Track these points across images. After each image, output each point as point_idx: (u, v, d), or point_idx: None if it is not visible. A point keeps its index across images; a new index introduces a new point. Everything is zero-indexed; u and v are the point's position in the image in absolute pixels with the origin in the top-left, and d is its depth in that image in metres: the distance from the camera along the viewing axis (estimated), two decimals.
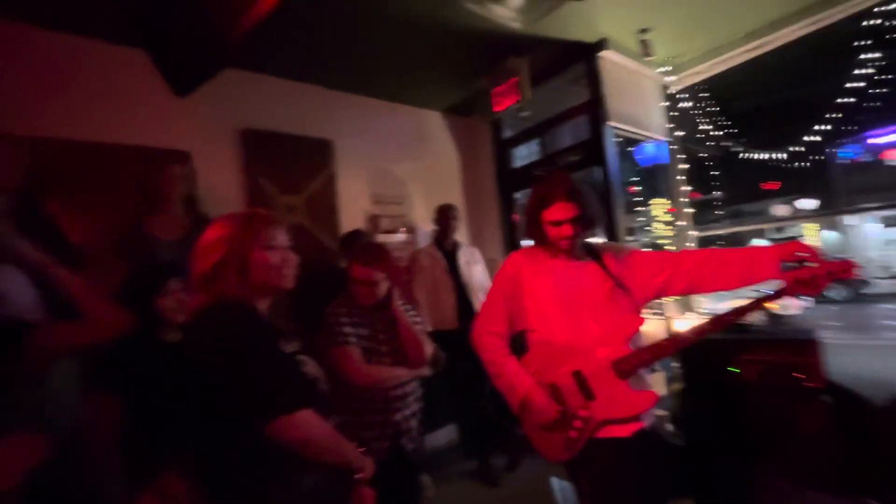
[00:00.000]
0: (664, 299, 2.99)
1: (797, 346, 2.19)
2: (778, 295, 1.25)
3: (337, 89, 3.25)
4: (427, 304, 2.98)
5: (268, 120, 2.90)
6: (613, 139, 3.08)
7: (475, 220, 4.02)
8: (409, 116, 3.74)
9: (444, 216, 3.11)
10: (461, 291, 2.98)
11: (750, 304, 1.29)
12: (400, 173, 3.61)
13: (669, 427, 3.12)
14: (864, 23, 2.69)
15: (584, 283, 1.42)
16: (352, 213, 3.22)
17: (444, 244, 3.10)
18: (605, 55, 3.01)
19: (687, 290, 1.44)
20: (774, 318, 2.61)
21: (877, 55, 2.75)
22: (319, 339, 1.70)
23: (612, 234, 3.00)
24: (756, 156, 3.44)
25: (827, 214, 14.35)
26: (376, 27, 2.52)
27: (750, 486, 1.90)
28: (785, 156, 3.28)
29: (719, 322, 1.30)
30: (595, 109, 3.03)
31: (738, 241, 15.37)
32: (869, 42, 2.72)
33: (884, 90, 2.91)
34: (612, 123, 3.04)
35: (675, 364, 2.81)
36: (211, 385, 0.95)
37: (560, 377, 1.37)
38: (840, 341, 7.57)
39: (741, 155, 3.52)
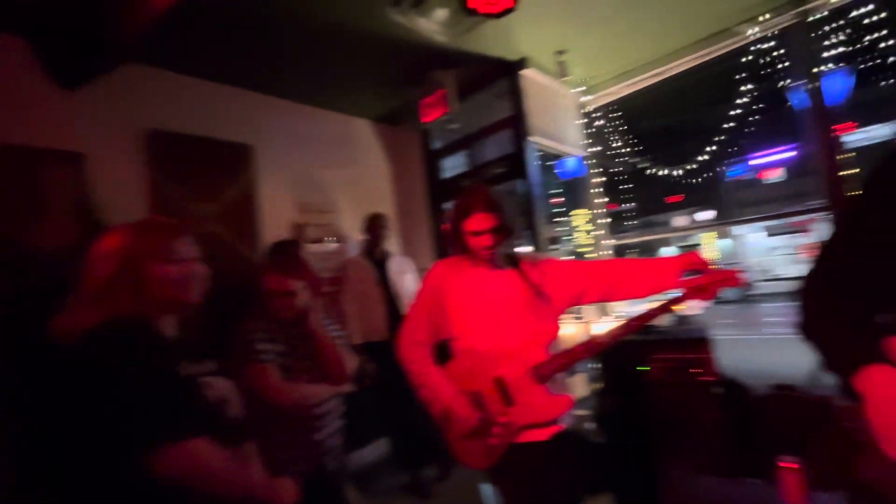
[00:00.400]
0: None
1: (693, 344, 2.43)
2: (679, 300, 1.38)
3: (259, 92, 3.10)
4: (357, 316, 2.91)
5: (178, 121, 2.68)
6: (535, 153, 3.24)
7: (406, 229, 4.02)
8: (338, 123, 3.66)
9: (374, 225, 3.07)
10: (392, 302, 2.95)
11: (657, 309, 1.41)
12: (328, 181, 3.51)
13: (590, 426, 3.32)
14: (742, 59, 3.06)
15: (505, 292, 1.47)
16: (275, 222, 3.07)
17: (374, 254, 3.05)
18: (527, 73, 3.18)
19: (601, 298, 1.55)
20: (681, 318, 2.88)
21: (752, 87, 3.15)
22: (234, 357, 1.59)
23: (534, 244, 3.14)
24: (660, 172, 3.80)
25: (719, 225, 16.26)
26: (300, 30, 2.45)
27: (659, 478, 2.06)
28: (682, 172, 3.68)
29: (630, 326, 1.40)
30: (517, 124, 3.17)
31: (649, 248, 16.88)
32: (745, 75, 3.12)
33: (759, 118, 3.37)
34: (534, 138, 3.20)
35: (594, 366, 3.00)
36: (95, 411, 0.85)
37: (483, 384, 1.40)
38: (732, 337, 8.57)
39: (648, 171, 3.87)
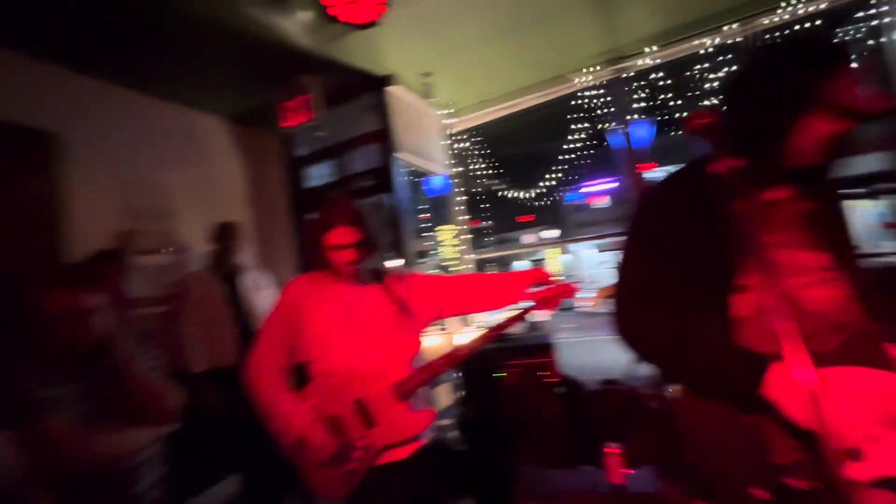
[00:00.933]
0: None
1: (540, 349, 2.70)
2: (528, 311, 1.51)
3: (73, 70, 2.54)
4: (200, 338, 2.54)
5: None
6: (403, 169, 3.29)
7: (264, 240, 3.69)
8: (180, 117, 3.20)
9: (224, 235, 2.73)
10: (245, 321, 2.65)
11: (510, 319, 1.52)
12: (166, 182, 3.03)
13: (454, 434, 3.44)
14: (574, 102, 3.59)
15: (368, 309, 1.43)
16: (88, 227, 2.51)
17: (223, 267, 2.71)
18: (394, 90, 3.23)
19: (461, 312, 1.62)
20: (533, 325, 3.18)
21: (582, 126, 3.72)
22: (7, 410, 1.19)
23: (402, 258, 3.17)
24: (513, 194, 4.22)
25: (561, 242, 18.71)
26: (140, 6, 2.09)
27: (512, 476, 2.22)
28: (531, 195, 4.15)
29: (487, 336, 1.47)
30: (384, 139, 3.19)
31: (505, 262, 18.56)
32: (577, 116, 3.68)
33: (588, 153, 4.01)
34: (401, 154, 3.25)
35: (456, 375, 3.12)
36: None
37: (342, 408, 1.33)
38: (575, 340, 9.87)
39: (503, 192, 4.26)
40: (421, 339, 1.46)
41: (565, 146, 3.90)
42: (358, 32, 2.35)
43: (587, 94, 3.58)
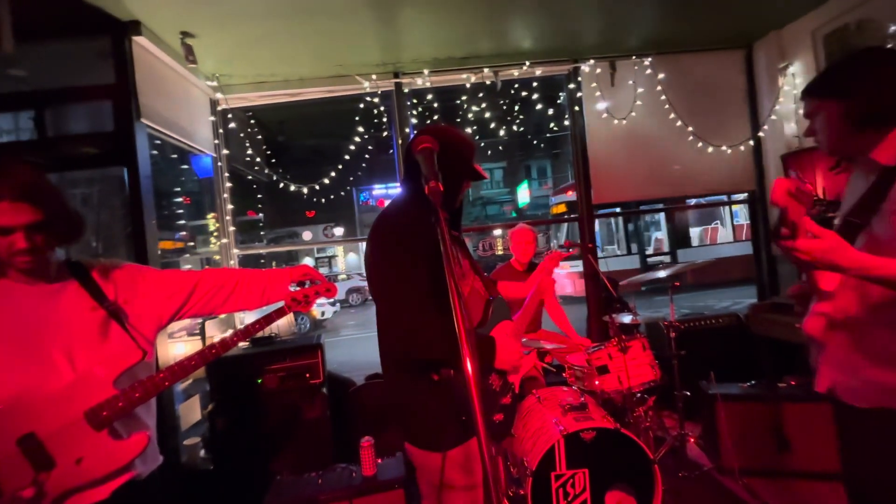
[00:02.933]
0: (192, 320, 2.86)
1: (307, 351, 2.63)
2: (281, 312, 1.41)
3: None
4: None
5: None
6: (154, 141, 2.70)
7: None
8: None
9: None
10: None
11: (260, 321, 1.36)
12: None
13: (201, 453, 3.00)
14: (360, 105, 3.66)
15: (58, 314, 1.11)
16: None
17: None
18: (141, 42, 2.63)
19: (208, 311, 1.40)
20: (315, 322, 3.05)
21: (363, 129, 3.82)
22: None
23: (141, 248, 2.59)
24: (293, 187, 3.98)
25: (345, 241, 18.80)
26: None
27: (264, 489, 2.07)
28: (316, 188, 3.98)
29: (226, 343, 1.28)
30: (123, 99, 2.55)
31: (286, 259, 17.48)
32: (358, 118, 3.75)
33: (369, 156, 4.15)
34: (148, 122, 2.67)
35: (207, 386, 2.73)
36: None
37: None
38: (354, 336, 10.06)
39: (282, 184, 3.97)
40: (138, 349, 1.17)
41: (352, 147, 3.90)
42: None
43: (373, 99, 3.68)
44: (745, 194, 4.03)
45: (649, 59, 3.70)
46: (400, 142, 3.67)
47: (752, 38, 3.77)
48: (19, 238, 1.02)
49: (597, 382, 2.35)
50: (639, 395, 2.53)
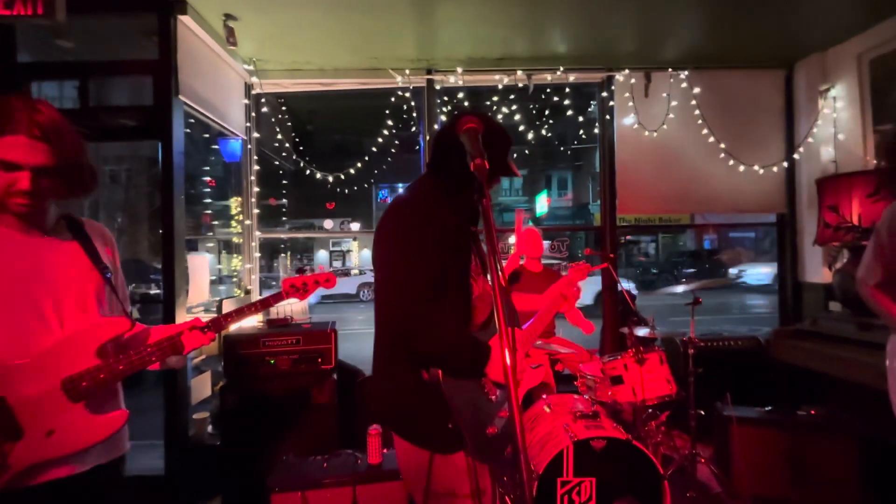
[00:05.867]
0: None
1: (321, 336, 2.64)
2: (278, 297, 1.34)
3: None
4: None
5: None
6: (186, 119, 2.76)
7: None
8: None
9: None
10: None
11: (265, 299, 1.32)
12: None
13: (209, 428, 3.04)
14: (391, 99, 3.68)
15: (52, 268, 1.03)
16: None
17: None
18: (185, 21, 2.69)
19: None
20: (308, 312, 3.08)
21: (399, 126, 3.84)
22: None
23: (168, 223, 2.65)
24: (318, 175, 4.02)
25: (361, 233, 18.91)
26: None
27: (270, 468, 2.08)
28: (341, 178, 4.00)
29: (226, 319, 1.21)
30: (164, 75, 2.61)
31: (303, 246, 17.67)
32: (394, 113, 3.78)
33: (395, 152, 4.15)
34: (185, 99, 2.73)
35: (220, 363, 2.77)
36: None
37: None
38: (363, 331, 10.09)
39: (307, 172, 4.02)
40: (127, 319, 1.09)
41: (379, 139, 3.93)
42: None
43: (404, 94, 3.70)
44: (774, 216, 3.93)
45: (686, 72, 3.65)
46: (427, 138, 3.68)
47: (793, 59, 3.69)
48: (24, 177, 0.94)
49: (609, 393, 2.31)
50: (650, 409, 2.48)
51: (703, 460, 2.56)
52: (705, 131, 3.68)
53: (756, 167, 3.71)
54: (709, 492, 2.52)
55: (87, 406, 1.00)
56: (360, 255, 21.79)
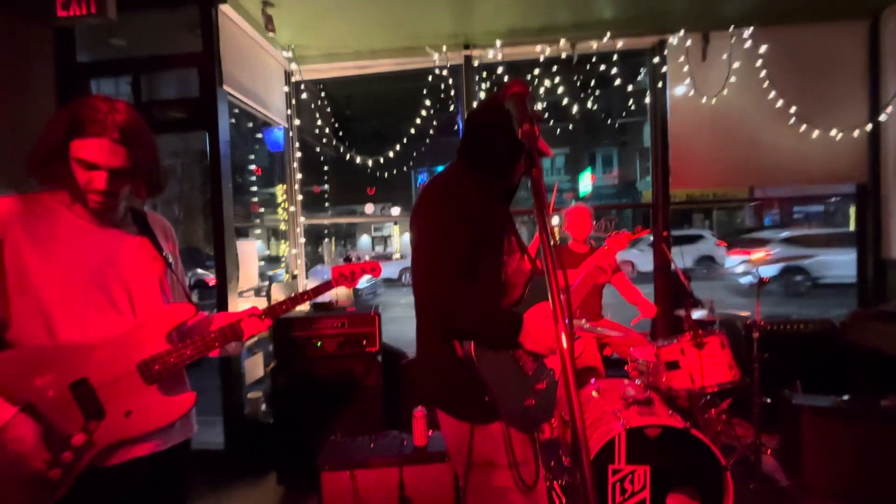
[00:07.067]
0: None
1: (365, 319, 2.67)
2: (328, 285, 1.39)
3: None
4: None
5: None
6: (230, 108, 2.83)
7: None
8: None
9: None
10: None
11: (316, 288, 1.36)
12: None
13: (263, 407, 3.19)
14: (429, 78, 3.59)
15: (124, 257, 1.09)
16: None
17: None
18: (225, 10, 2.73)
19: None
20: (356, 293, 3.12)
21: (437, 107, 3.77)
22: None
23: (218, 211, 2.74)
24: (358, 159, 4.04)
25: (400, 218, 19.09)
26: None
27: (320, 447, 2.14)
28: (381, 161, 4.01)
29: (285, 304, 1.24)
30: (208, 66, 2.67)
31: (346, 231, 18.07)
32: (431, 94, 3.70)
33: (434, 134, 4.09)
34: (229, 89, 2.78)
35: (270, 344, 2.87)
36: None
37: (43, 392, 0.95)
38: (405, 315, 10.27)
39: (347, 157, 4.04)
40: (191, 305, 1.13)
41: (417, 120, 3.88)
42: None
43: (441, 72, 3.60)
44: (853, 186, 3.54)
45: (750, 30, 3.31)
46: (466, 118, 3.58)
47: (880, 5, 3.24)
48: (101, 177, 0.99)
49: (664, 378, 2.19)
50: (709, 396, 2.33)
51: (768, 451, 2.39)
52: (772, 95, 3.34)
53: (833, 132, 3.34)
54: (775, 485, 2.35)
55: (160, 388, 1.06)
56: (401, 240, 22.09)
